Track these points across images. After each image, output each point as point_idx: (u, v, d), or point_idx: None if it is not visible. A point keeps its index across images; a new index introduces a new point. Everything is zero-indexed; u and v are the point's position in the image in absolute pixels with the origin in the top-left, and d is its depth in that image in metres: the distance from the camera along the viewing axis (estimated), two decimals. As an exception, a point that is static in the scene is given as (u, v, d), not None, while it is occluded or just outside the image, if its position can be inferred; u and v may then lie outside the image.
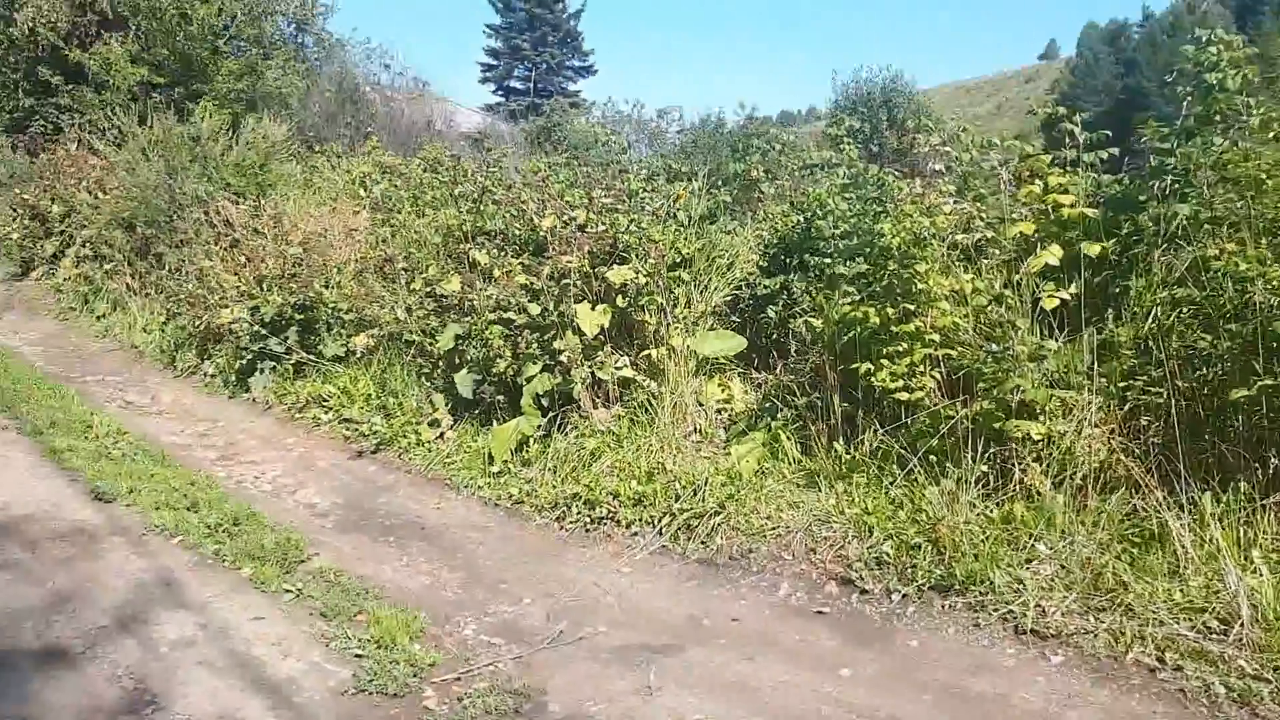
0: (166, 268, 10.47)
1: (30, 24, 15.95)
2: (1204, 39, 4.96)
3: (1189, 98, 5.02)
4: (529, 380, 6.39)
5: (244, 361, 8.44)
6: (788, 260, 6.80)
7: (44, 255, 13.14)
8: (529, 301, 6.49)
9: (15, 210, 13.87)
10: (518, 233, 7.40)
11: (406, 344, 7.67)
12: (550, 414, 6.35)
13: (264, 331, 8.21)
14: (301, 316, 8.34)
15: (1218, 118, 4.85)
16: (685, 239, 6.89)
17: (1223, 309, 4.31)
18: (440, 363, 7.28)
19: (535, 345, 6.41)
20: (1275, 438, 4.03)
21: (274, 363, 8.23)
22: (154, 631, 3.96)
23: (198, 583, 4.48)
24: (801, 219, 6.57)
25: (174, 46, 15.16)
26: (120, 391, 8.50)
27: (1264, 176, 4.40)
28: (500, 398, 6.62)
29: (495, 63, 50.78)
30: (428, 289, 7.49)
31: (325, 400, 7.72)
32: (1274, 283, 4.08)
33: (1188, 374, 4.54)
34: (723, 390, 6.53)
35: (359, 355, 7.85)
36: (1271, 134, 4.65)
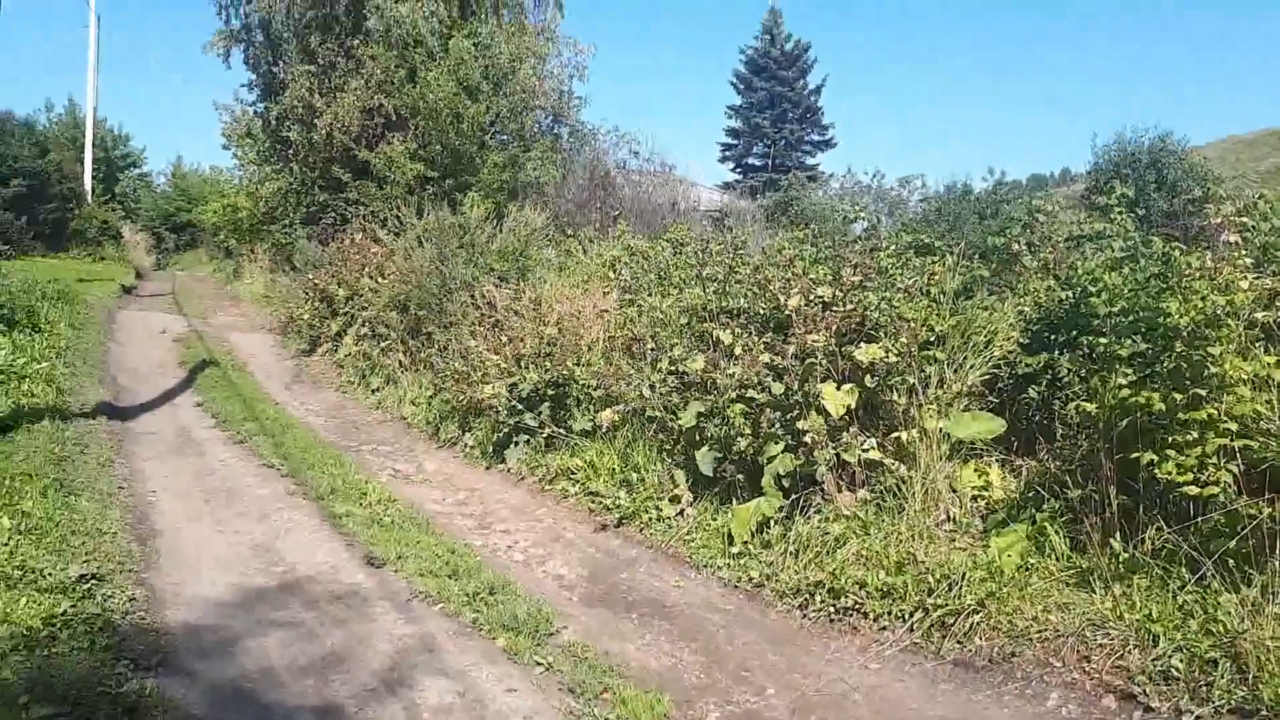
0: (435, 346, 11.36)
1: (328, 129, 18.14)
2: None
3: None
4: (770, 460, 6.30)
5: (501, 434, 8.95)
6: (1053, 338, 6.35)
7: (329, 334, 14.66)
8: (772, 380, 6.44)
9: (307, 294, 15.62)
10: (761, 311, 7.41)
11: (649, 420, 7.83)
12: (792, 495, 6.21)
13: (520, 406, 8.68)
14: (554, 393, 8.75)
15: None
16: (939, 315, 6.61)
17: None
18: (681, 439, 7.36)
19: (778, 424, 6.34)
20: None
21: (528, 436, 8.67)
22: (417, 696, 4.18)
23: (457, 650, 4.69)
24: (1069, 295, 6.12)
25: (447, 143, 16.67)
26: (390, 460, 9.22)
27: None
28: (740, 476, 6.58)
29: (735, 142, 51.98)
30: (672, 367, 7.63)
31: (573, 473, 8.00)
32: None
33: None
34: (980, 476, 6.13)
35: (604, 430, 8.09)
36: None
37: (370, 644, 4.72)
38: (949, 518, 5.90)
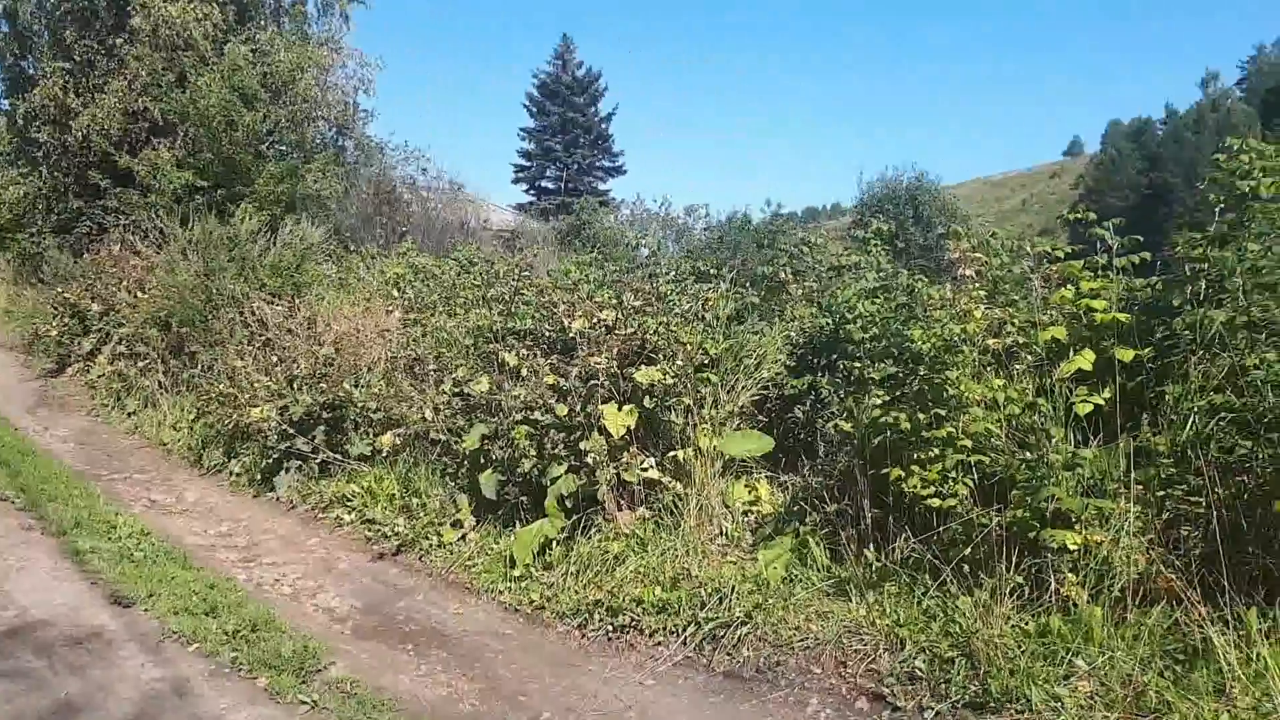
0: (199, 366, 10.62)
1: (84, 132, 16.64)
2: (1235, 147, 4.99)
3: (1221, 204, 5.01)
4: (553, 481, 6.33)
5: (270, 460, 8.46)
6: (815, 361, 6.78)
7: (80, 352, 13.39)
8: (556, 402, 6.48)
9: (56, 308, 14.20)
10: (547, 333, 7.45)
11: (432, 444, 7.67)
12: (574, 516, 6.27)
13: (291, 431, 8.24)
14: (330, 416, 8.38)
15: (1250, 224, 4.82)
16: (713, 340, 6.90)
17: (1262, 417, 4.20)
18: (465, 462, 7.25)
19: (561, 446, 6.38)
20: (1324, 551, 3.87)
21: (300, 462, 8.24)
22: (164, 744, 3.87)
23: (213, 692, 4.39)
24: (829, 321, 6.57)
25: (219, 151, 15.68)
26: (146, 490, 8.53)
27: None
28: (524, 499, 6.56)
29: (528, 164, 52.24)
30: (456, 389, 7.52)
31: (349, 500, 7.69)
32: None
33: (1228, 483, 4.41)
34: (750, 492, 6.44)
35: (384, 454, 7.85)
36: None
37: (113, 691, 4.32)
38: (722, 533, 6.15)
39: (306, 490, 8.06)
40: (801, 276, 7.77)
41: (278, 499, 8.14)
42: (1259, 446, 4.20)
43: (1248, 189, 4.77)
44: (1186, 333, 4.78)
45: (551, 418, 6.50)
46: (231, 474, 8.90)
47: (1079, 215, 5.43)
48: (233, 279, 11.10)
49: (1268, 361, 4.17)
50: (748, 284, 8.05)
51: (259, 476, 8.55)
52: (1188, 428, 4.48)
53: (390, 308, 10.07)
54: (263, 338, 9.78)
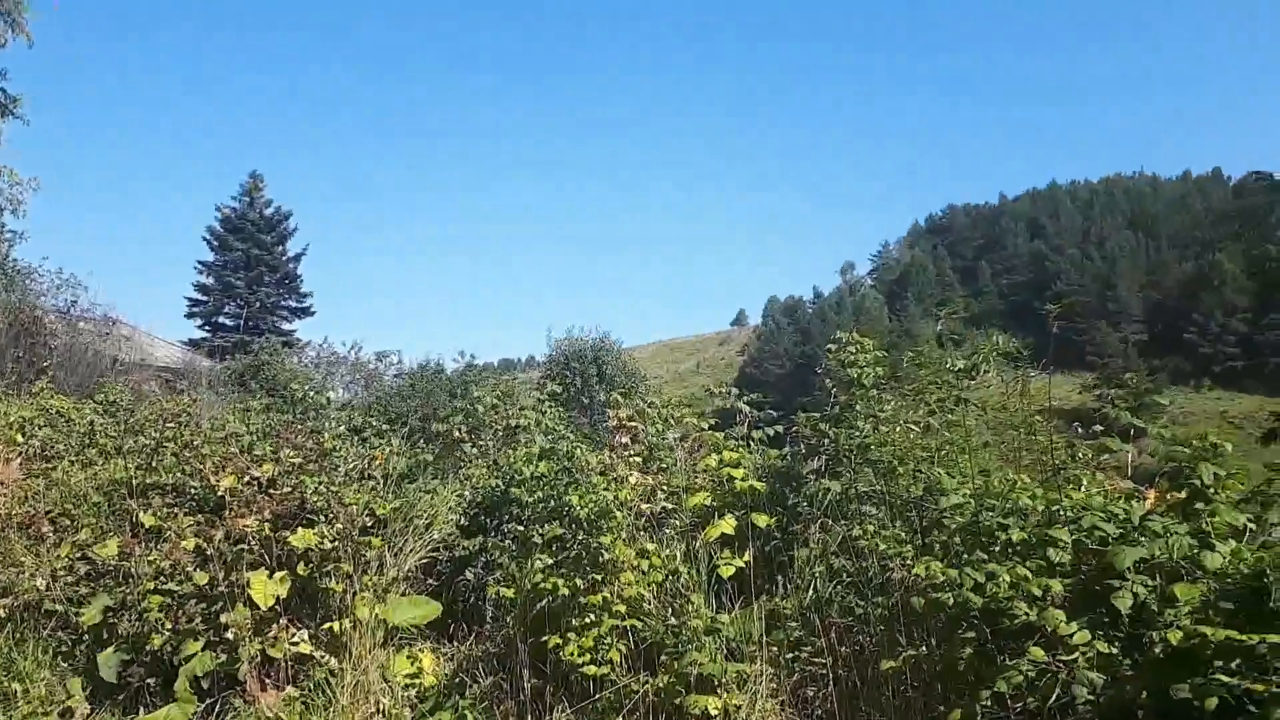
0: None
1: None
2: (844, 339, 5.72)
3: (834, 387, 5.70)
4: (187, 659, 5.66)
5: None
6: (488, 522, 6.72)
7: None
8: (196, 569, 5.87)
9: None
10: (194, 490, 6.82)
11: (47, 616, 6.62)
12: (210, 699, 5.61)
13: None
14: (-90, 584, 7.00)
15: (858, 406, 5.50)
16: (381, 499, 6.65)
17: (870, 581, 4.69)
18: (86, 639, 6.31)
19: (199, 619, 5.75)
20: (919, 705, 4.30)
21: None
22: None
23: None
24: (500, 482, 6.58)
25: None
26: None
27: (895, 462, 4.97)
28: (151, 680, 5.80)
29: (205, 298, 48.98)
30: (79, 553, 6.60)
31: (-75, 689, 6.37)
32: (909, 560, 4.51)
33: (849, 643, 4.82)
34: (413, 663, 6.12)
35: (-20, 631, 6.64)
36: (900, 423, 5.32)
37: None
38: (380, 710, 5.76)
39: None
40: (477, 434, 7.78)
41: None
42: (869, 608, 4.66)
43: (855, 376, 5.46)
44: (805, 505, 5.28)
45: (190, 586, 5.87)
46: None
47: (721, 393, 5.92)
48: None
49: (868, 531, 4.69)
50: (423, 440, 7.92)
51: None
52: (810, 591, 4.89)
53: (11, 455, 8.78)
54: None
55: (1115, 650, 4.03)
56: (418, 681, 6.03)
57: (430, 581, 6.81)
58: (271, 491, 6.28)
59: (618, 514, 5.20)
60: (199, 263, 49.13)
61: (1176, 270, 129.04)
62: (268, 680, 5.78)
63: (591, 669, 4.93)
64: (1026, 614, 4.07)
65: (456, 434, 7.54)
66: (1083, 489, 4.78)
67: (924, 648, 4.43)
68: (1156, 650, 3.76)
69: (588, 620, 5.09)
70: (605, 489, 5.31)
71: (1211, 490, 4.19)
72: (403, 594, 6.48)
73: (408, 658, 6.14)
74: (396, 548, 6.61)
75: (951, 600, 4.10)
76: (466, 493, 7.19)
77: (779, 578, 5.37)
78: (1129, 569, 4.03)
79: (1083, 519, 4.33)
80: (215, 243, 49.08)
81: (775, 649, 4.82)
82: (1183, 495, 4.28)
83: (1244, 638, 3.50)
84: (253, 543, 5.99)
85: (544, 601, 5.39)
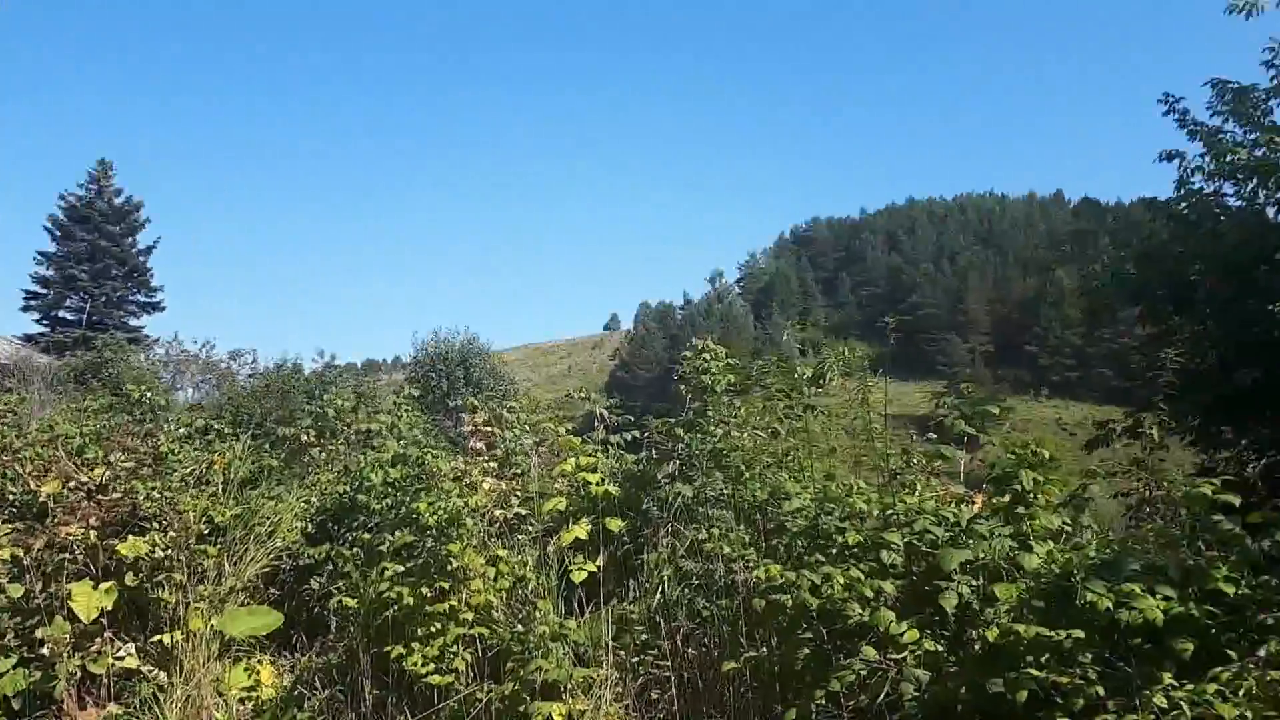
0: None
1: None
2: (699, 347, 5.83)
3: (689, 394, 5.79)
4: (-2, 679, 5.26)
5: None
6: (335, 529, 6.52)
7: None
8: (9, 580, 5.47)
9: None
10: (14, 495, 6.35)
11: None
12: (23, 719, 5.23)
13: None
14: None
15: (710, 412, 5.61)
16: (219, 506, 6.34)
17: (716, 585, 4.78)
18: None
19: (13, 634, 5.35)
20: (758, 704, 4.42)
21: None
22: None
23: None
24: (348, 489, 6.40)
25: None
26: None
27: (743, 467, 5.10)
28: (-45, 702, 5.36)
29: (44, 291, 45.71)
30: None
31: None
32: (752, 563, 4.62)
33: (695, 644, 4.91)
34: (250, 676, 5.86)
35: None
36: (750, 429, 5.46)
37: None
38: (211, 725, 5.50)
39: None
40: (327, 439, 7.54)
41: None
42: (714, 610, 4.75)
43: (708, 383, 5.56)
44: (655, 508, 5.34)
45: (4, 600, 5.46)
46: None
47: (577, 394, 5.93)
48: None
49: (713, 535, 4.78)
50: (269, 444, 7.62)
51: None
52: (658, 594, 4.95)
53: None
54: None
55: (941, 648, 4.24)
56: (254, 694, 5.78)
57: (273, 591, 6.55)
58: (101, 498, 5.91)
59: (468, 521, 5.13)
60: (38, 253, 45.83)
61: (1020, 286, 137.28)
62: (88, 698, 5.44)
63: (436, 678, 4.85)
64: (860, 614, 4.23)
65: (305, 438, 7.28)
66: (917, 494, 5.01)
67: (764, 649, 4.55)
68: (976, 647, 3.97)
69: (434, 629, 5.01)
70: (457, 495, 5.23)
71: (1032, 495, 4.45)
72: (242, 604, 6.19)
73: (245, 670, 5.87)
74: (236, 556, 6.32)
75: (790, 602, 4.22)
76: (314, 499, 6.95)
77: (630, 582, 5.41)
78: (955, 570, 4.24)
79: (915, 522, 4.53)
80: (57, 232, 45.86)
81: (623, 653, 4.86)
82: (1006, 500, 4.53)
83: (1052, 633, 3.74)
84: (77, 552, 5.63)
85: (389, 611, 5.27)
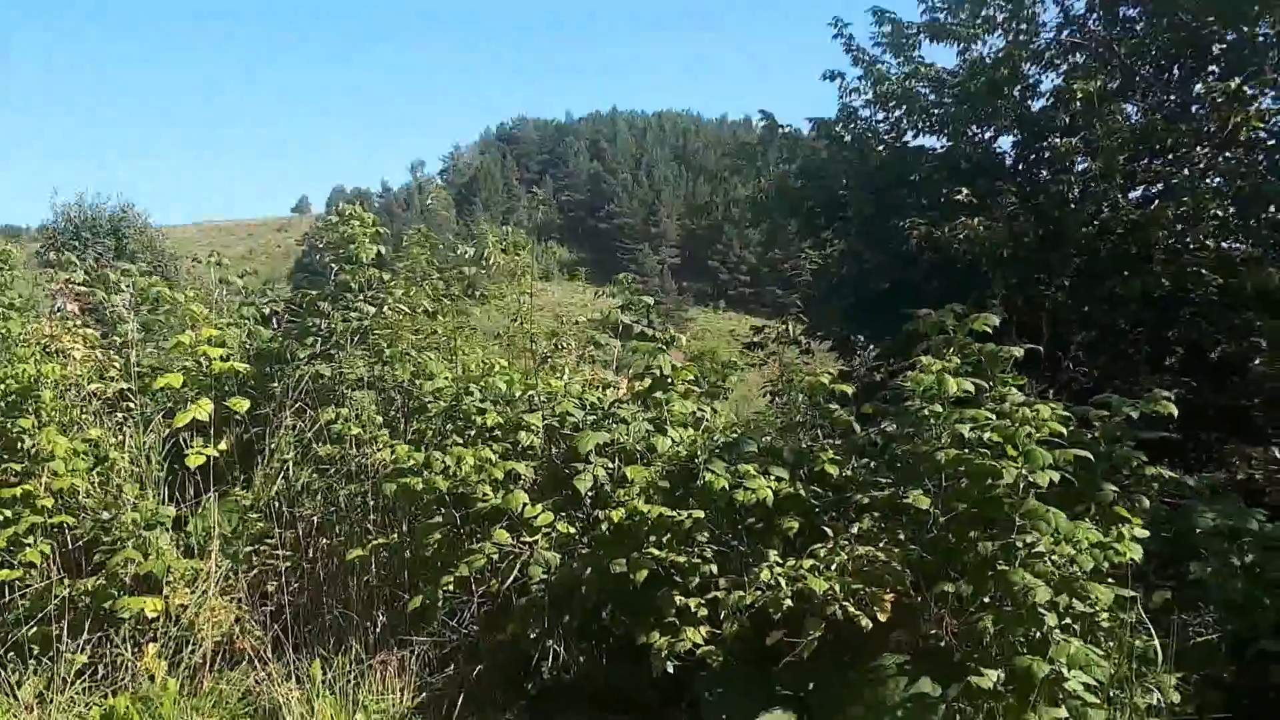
0: None
1: None
2: (346, 213, 5.30)
3: (336, 265, 5.28)
4: None
5: None
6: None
7: None
8: None
9: None
10: None
11: None
12: None
13: None
14: None
15: (354, 284, 5.15)
16: None
17: (347, 469, 4.43)
18: None
19: None
20: (384, 594, 4.18)
21: None
22: None
23: None
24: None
25: None
26: None
27: (385, 345, 4.73)
28: None
29: None
30: None
31: None
32: (385, 444, 4.31)
33: (330, 534, 4.55)
34: None
35: None
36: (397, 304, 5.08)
37: None
38: None
39: None
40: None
41: None
42: (343, 497, 4.40)
43: (354, 253, 5.10)
44: (284, 385, 4.86)
45: None
46: None
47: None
48: None
49: (341, 416, 4.41)
50: None
51: None
52: (279, 479, 4.51)
53: None
54: None
55: (575, 530, 4.21)
56: None
57: None
58: None
59: (45, 394, 4.34)
60: None
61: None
62: None
63: (4, 573, 4.12)
64: (492, 498, 4.07)
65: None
66: (563, 379, 4.91)
67: (394, 535, 4.29)
68: (604, 528, 3.96)
69: (4, 516, 4.24)
70: (36, 363, 4.41)
71: (670, 380, 4.48)
72: None
73: None
74: None
75: (419, 485, 3.97)
76: None
77: (257, 468, 4.90)
78: (592, 452, 4.20)
79: (557, 405, 4.43)
80: None
81: (237, 543, 4.39)
82: (646, 384, 4.54)
83: (674, 514, 3.79)
84: None
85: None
